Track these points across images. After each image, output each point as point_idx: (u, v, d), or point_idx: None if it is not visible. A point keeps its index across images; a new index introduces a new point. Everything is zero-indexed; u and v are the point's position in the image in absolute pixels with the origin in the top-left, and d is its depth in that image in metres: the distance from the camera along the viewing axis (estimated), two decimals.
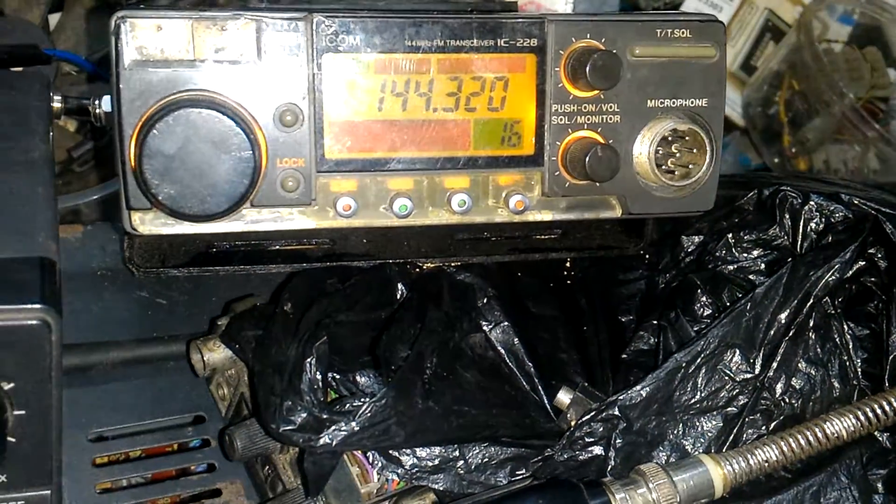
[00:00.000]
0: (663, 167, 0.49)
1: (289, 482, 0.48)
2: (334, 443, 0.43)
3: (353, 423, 0.43)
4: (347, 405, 0.44)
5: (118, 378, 0.55)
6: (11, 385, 0.34)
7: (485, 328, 0.54)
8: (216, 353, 0.50)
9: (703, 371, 0.50)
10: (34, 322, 0.34)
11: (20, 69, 0.60)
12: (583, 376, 0.55)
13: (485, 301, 0.55)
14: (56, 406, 0.36)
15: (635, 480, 0.47)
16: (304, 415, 0.43)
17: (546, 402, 0.53)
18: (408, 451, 0.47)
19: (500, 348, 0.54)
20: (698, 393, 0.50)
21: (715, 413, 0.50)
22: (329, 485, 0.46)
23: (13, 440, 0.35)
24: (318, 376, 0.44)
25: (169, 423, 0.55)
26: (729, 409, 0.50)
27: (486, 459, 0.49)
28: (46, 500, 0.38)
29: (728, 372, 0.50)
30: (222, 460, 0.54)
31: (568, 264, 0.62)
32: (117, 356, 0.55)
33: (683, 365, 0.50)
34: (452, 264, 0.57)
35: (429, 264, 0.57)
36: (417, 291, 0.52)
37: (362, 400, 0.44)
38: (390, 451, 0.47)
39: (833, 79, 0.92)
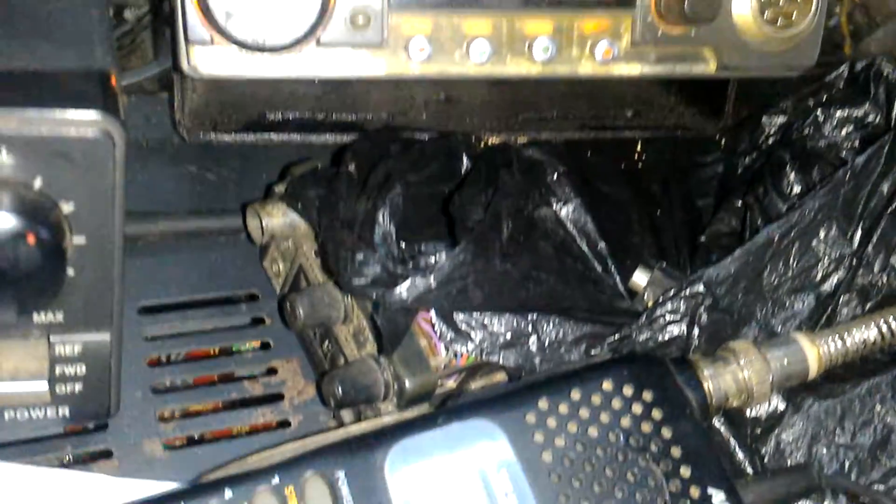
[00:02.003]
0: (766, 15, 0.45)
1: (351, 355, 0.46)
2: (409, 299, 0.40)
3: (430, 279, 0.40)
4: (423, 261, 0.41)
5: (167, 251, 0.52)
6: (71, 207, 0.31)
7: (554, 206, 0.50)
8: (275, 218, 0.47)
9: (797, 246, 0.47)
10: (96, 135, 0.31)
11: None
12: (657, 260, 0.52)
13: (554, 177, 0.51)
14: (119, 236, 0.33)
15: (724, 357, 0.43)
16: (378, 268, 0.40)
17: (620, 283, 0.50)
18: (478, 324, 0.44)
19: (570, 227, 0.50)
20: (790, 269, 0.47)
21: (808, 291, 0.47)
22: (397, 353, 0.43)
23: (72, 272, 0.33)
24: (392, 229, 0.41)
25: (221, 299, 0.52)
26: (823, 287, 0.47)
27: (561, 336, 0.46)
28: (106, 347, 0.35)
29: (823, 247, 0.46)
30: (277, 338, 0.51)
31: (639, 148, 0.58)
32: (166, 227, 0.52)
33: (776, 239, 0.46)
34: (520, 140, 0.54)
35: (494, 139, 0.54)
36: (486, 161, 0.49)
37: (439, 256, 0.41)
38: (460, 326, 0.44)
39: None
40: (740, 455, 0.44)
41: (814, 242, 0.47)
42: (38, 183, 0.31)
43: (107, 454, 0.45)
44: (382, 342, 0.41)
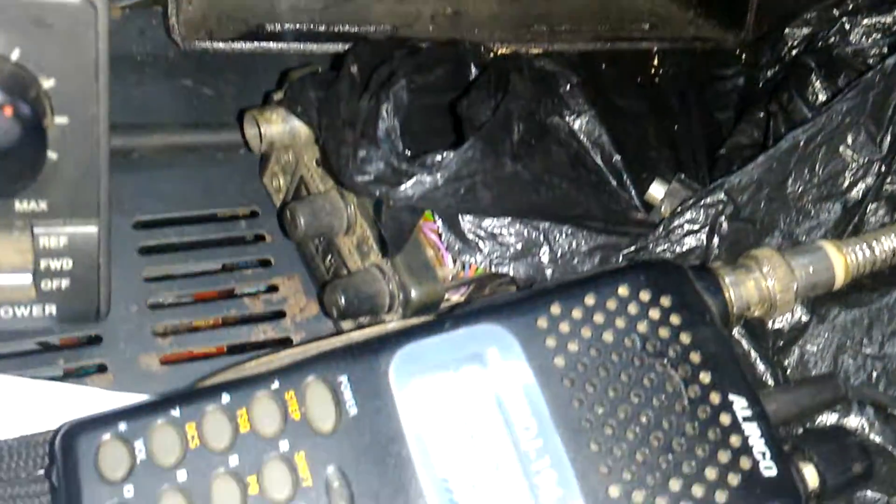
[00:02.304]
0: None
1: (355, 267, 0.44)
2: (415, 196, 0.38)
3: (437, 176, 0.38)
4: (429, 159, 0.39)
5: (163, 166, 0.50)
6: (52, 83, 0.29)
7: (567, 117, 0.48)
8: (274, 125, 0.44)
9: (823, 151, 0.44)
10: (77, 1, 0.29)
11: None
12: (675, 173, 0.50)
13: (567, 88, 0.49)
14: (104, 120, 0.31)
15: (746, 265, 0.41)
16: (381, 165, 0.38)
17: (636, 197, 0.48)
18: (487, 234, 0.42)
19: (583, 139, 0.48)
20: (816, 176, 0.44)
21: (834, 199, 0.44)
22: (402, 262, 0.41)
23: (55, 156, 0.31)
24: (396, 124, 0.39)
25: (219, 215, 0.50)
26: (850, 194, 0.44)
27: (574, 246, 0.44)
28: (93, 240, 0.33)
29: (851, 153, 0.44)
30: (279, 256, 0.49)
31: (656, 61, 0.56)
32: (161, 140, 0.50)
33: (801, 143, 0.44)
34: (531, 50, 0.51)
35: (504, 49, 0.52)
36: (495, 68, 0.47)
37: (446, 153, 0.39)
38: (468, 235, 0.42)
39: None
40: (761, 367, 0.42)
41: (841, 148, 0.44)
42: (15, 55, 0.29)
43: (101, 368, 0.43)
44: (386, 244, 0.39)
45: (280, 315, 0.48)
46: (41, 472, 0.38)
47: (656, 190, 0.47)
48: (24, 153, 0.29)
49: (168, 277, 0.47)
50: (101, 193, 0.33)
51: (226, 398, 0.35)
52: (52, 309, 0.34)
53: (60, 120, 0.30)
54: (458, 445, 0.35)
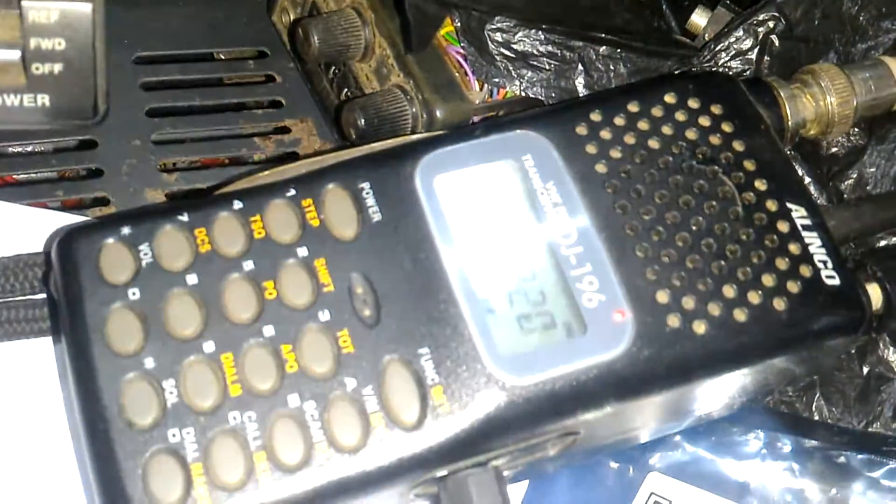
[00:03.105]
0: None
1: None
2: None
3: None
4: None
5: (167, 2, 0.47)
6: None
7: None
8: None
9: None
10: None
11: None
12: None
13: None
14: None
15: (803, 79, 0.38)
16: None
17: (676, 28, 0.44)
18: (518, 55, 0.39)
19: None
20: None
21: (893, 17, 0.41)
22: (426, 80, 0.38)
23: None
24: None
25: (226, 55, 0.47)
26: None
27: (612, 69, 0.40)
28: (87, 18, 0.30)
29: None
30: (290, 97, 0.46)
31: None
32: None
33: None
34: None
35: None
36: None
37: None
38: (495, 57, 0.39)
39: None
40: (815, 192, 0.39)
41: None
42: None
43: (103, 201, 0.41)
44: (409, 38, 0.36)
45: (293, 157, 0.44)
46: (40, 295, 0.35)
47: (699, 17, 0.44)
48: None
49: (173, 113, 0.44)
50: None
51: (238, 205, 0.32)
52: (44, 99, 0.31)
53: None
54: (491, 251, 0.32)
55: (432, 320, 0.31)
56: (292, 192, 0.33)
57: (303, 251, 0.32)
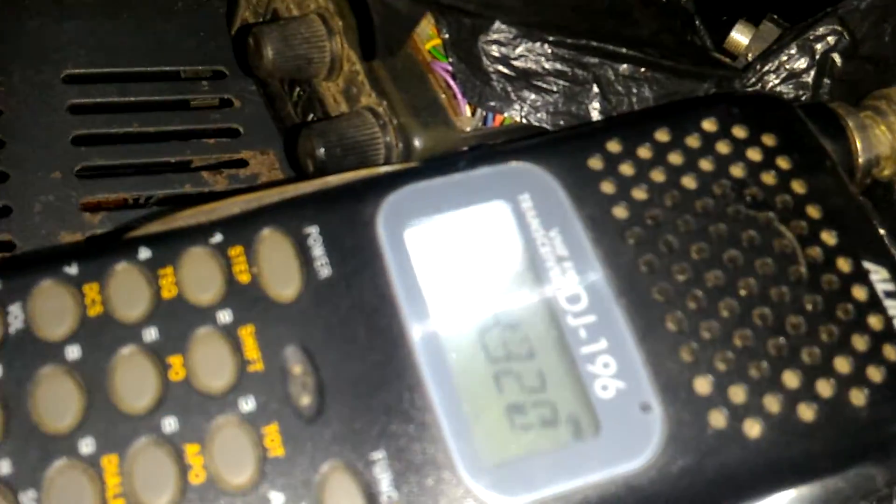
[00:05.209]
0: None
1: None
2: None
3: None
4: None
5: (105, 14, 0.40)
6: None
7: None
8: None
9: None
10: None
11: None
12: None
13: None
14: None
15: (876, 106, 0.30)
16: None
17: (712, 45, 0.37)
18: (518, 73, 0.32)
19: None
20: None
21: None
22: (403, 100, 0.31)
23: None
24: None
25: (176, 73, 0.40)
26: None
27: (634, 90, 0.33)
28: None
29: None
30: (249, 124, 0.39)
31: None
32: None
33: None
34: None
35: None
36: None
37: None
38: (490, 76, 0.32)
39: None
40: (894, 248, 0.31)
41: None
42: None
43: (8, 246, 0.33)
44: (373, 41, 0.29)
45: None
46: None
47: (740, 34, 0.36)
48: None
49: (104, 141, 0.36)
50: None
51: (145, 253, 0.25)
52: None
53: None
54: (473, 320, 0.24)
55: (392, 413, 0.23)
56: (218, 237, 0.25)
57: (225, 316, 0.24)
